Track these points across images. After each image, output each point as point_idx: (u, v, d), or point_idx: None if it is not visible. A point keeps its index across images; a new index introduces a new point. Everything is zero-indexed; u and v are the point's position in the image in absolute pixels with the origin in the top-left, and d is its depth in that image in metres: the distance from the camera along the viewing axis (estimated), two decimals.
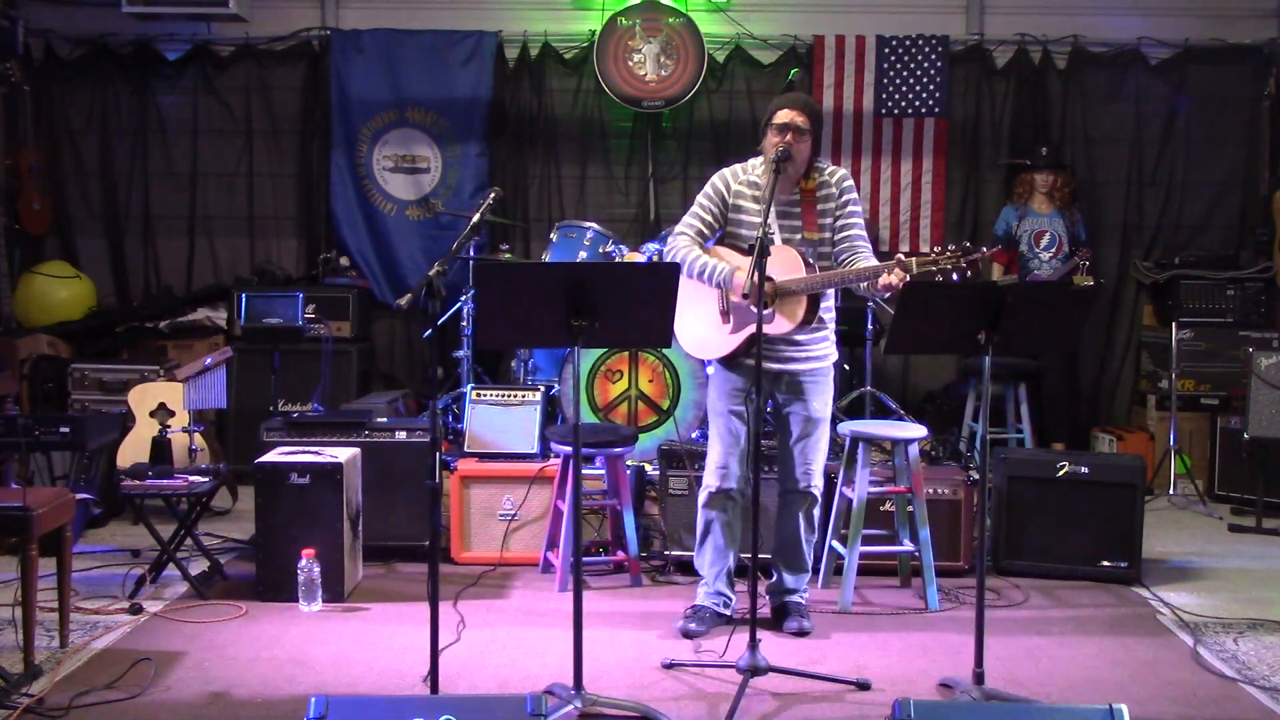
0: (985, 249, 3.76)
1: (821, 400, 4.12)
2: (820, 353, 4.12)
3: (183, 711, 3.44)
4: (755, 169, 4.12)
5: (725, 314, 4.08)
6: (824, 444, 4.15)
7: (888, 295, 3.86)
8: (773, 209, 4.02)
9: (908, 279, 3.70)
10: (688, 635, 4.10)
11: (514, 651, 3.94)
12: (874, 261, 3.99)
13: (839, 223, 4.07)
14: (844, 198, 4.08)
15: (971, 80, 7.14)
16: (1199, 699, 3.62)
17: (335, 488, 4.43)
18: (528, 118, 7.15)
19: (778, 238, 4.03)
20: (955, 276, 3.67)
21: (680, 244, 4.10)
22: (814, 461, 4.12)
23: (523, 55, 7.10)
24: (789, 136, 3.94)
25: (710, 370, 4.32)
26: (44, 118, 7.04)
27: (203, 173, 7.19)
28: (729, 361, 4.12)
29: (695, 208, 4.16)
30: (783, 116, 3.98)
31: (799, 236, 4.03)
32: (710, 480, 4.15)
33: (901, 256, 3.76)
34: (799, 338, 4.04)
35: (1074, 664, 3.90)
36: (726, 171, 4.17)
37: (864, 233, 4.10)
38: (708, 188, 4.16)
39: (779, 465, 4.19)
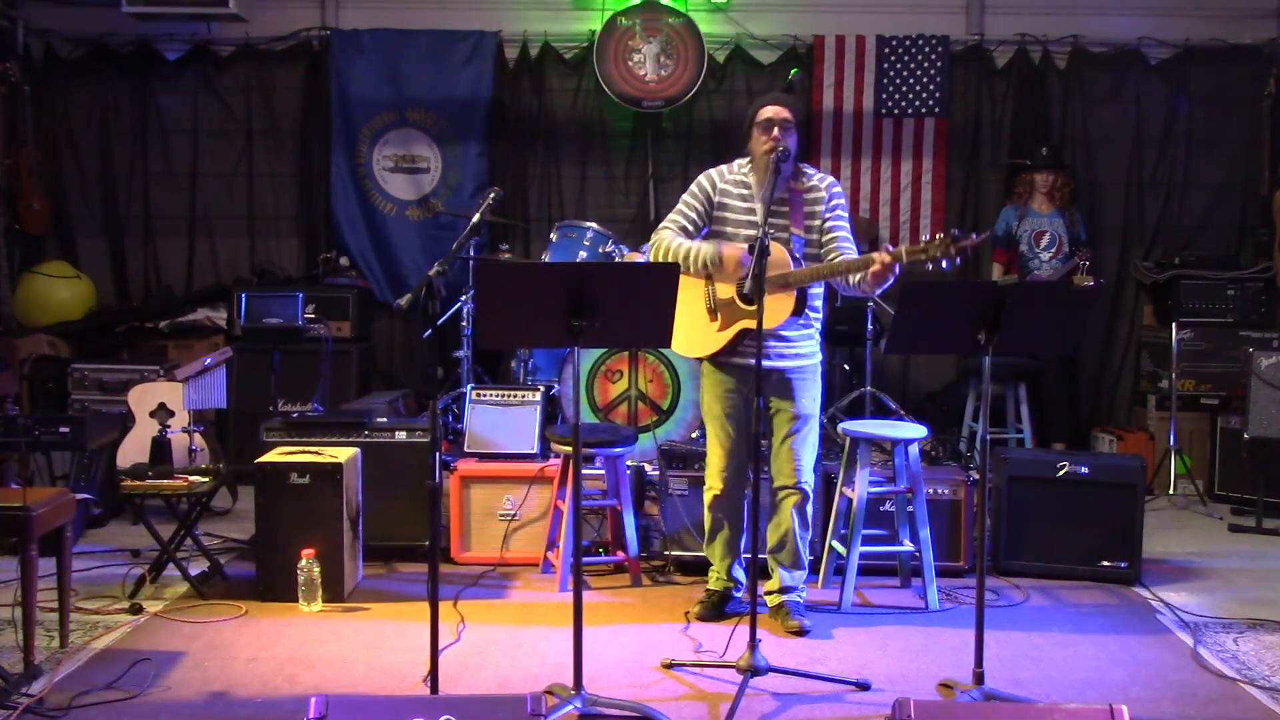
0: (975, 235, 3.66)
1: (809, 397, 4.16)
2: (807, 350, 4.16)
3: (183, 711, 3.44)
4: (741, 169, 4.17)
5: (713, 312, 4.10)
6: (813, 440, 4.20)
7: (884, 285, 3.85)
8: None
9: (898, 263, 3.74)
10: (704, 620, 4.19)
11: (514, 651, 3.94)
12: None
13: (827, 224, 4.11)
14: (833, 201, 4.13)
15: (971, 80, 7.14)
16: (1199, 699, 3.61)
17: (335, 488, 4.43)
18: (528, 118, 7.15)
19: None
20: (945, 264, 3.62)
21: (664, 237, 4.13)
22: (804, 458, 4.15)
23: (523, 55, 7.11)
24: (776, 131, 4.00)
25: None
26: (44, 118, 7.04)
27: (203, 173, 7.19)
28: (719, 362, 4.15)
29: (680, 205, 4.20)
30: (768, 112, 4.04)
31: (785, 235, 4.05)
32: (714, 483, 4.22)
33: (890, 247, 3.79)
34: (788, 334, 4.07)
35: (1074, 664, 3.90)
36: (713, 171, 4.21)
37: (851, 236, 4.13)
38: (693, 186, 4.20)
39: (770, 463, 4.21)
